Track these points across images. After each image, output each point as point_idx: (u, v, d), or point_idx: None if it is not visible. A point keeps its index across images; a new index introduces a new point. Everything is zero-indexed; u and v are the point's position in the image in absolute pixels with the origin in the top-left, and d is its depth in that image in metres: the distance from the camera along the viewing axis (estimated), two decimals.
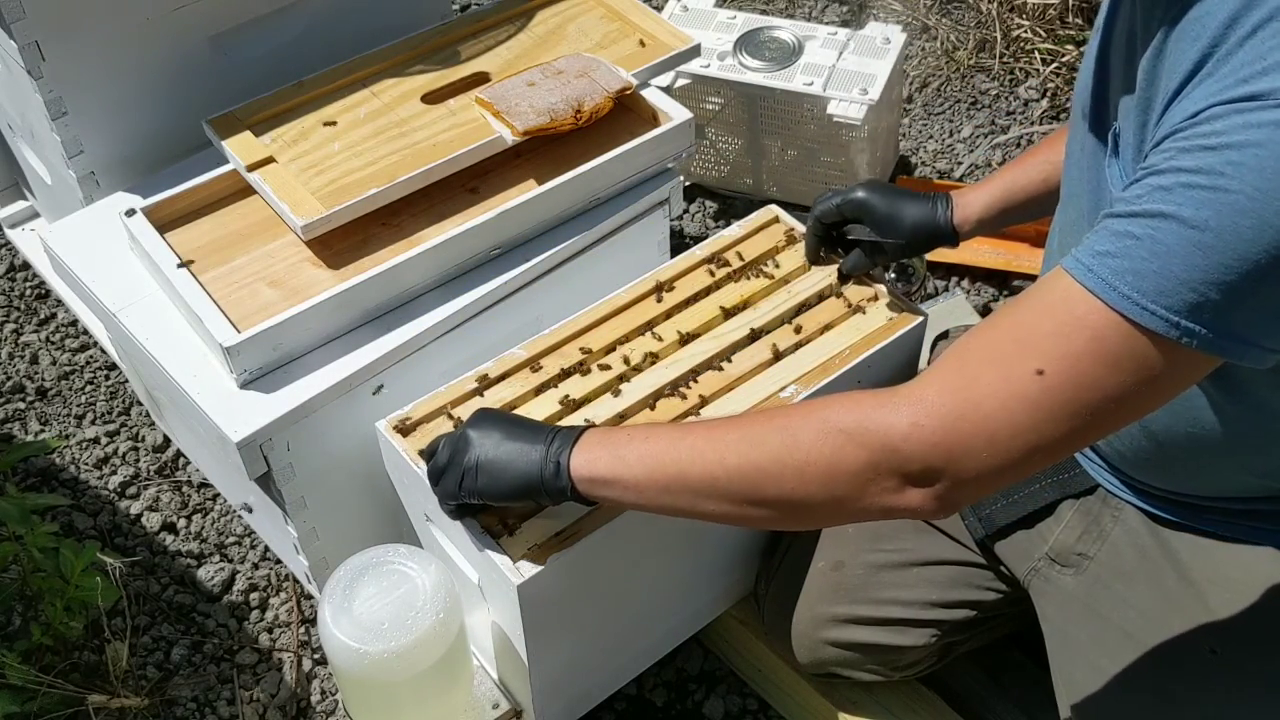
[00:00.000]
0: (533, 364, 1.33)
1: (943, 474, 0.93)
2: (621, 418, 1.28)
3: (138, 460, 1.80)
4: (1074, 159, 1.12)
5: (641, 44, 1.60)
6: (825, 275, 1.41)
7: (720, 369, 1.33)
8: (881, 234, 1.33)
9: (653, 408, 1.29)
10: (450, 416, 1.29)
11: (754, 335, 1.36)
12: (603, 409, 1.29)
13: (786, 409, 1.03)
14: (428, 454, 1.20)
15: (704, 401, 1.30)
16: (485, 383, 1.31)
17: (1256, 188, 0.79)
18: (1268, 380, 1.00)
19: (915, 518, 0.98)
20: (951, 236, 1.32)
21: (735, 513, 1.04)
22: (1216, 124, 0.82)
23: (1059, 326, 0.88)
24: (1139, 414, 0.92)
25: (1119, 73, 1.02)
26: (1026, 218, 1.33)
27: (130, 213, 1.39)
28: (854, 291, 1.39)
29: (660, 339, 1.35)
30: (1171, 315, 0.84)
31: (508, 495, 1.12)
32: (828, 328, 1.37)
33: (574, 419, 1.28)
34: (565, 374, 1.32)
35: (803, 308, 1.39)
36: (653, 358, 1.34)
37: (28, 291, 2.03)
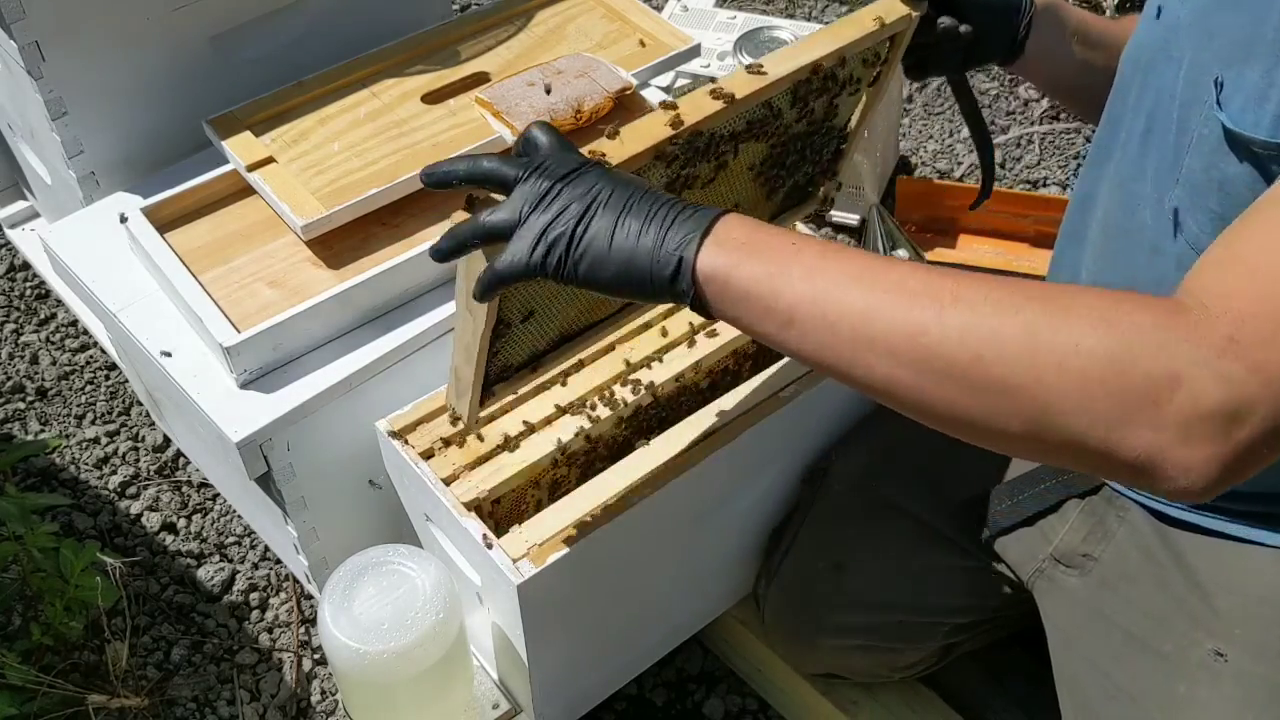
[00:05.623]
0: (532, 364, 1.33)
1: (1247, 418, 0.73)
2: (621, 417, 1.28)
3: (138, 460, 1.80)
4: (1116, 137, 1.08)
5: (641, 44, 1.60)
6: None
7: (720, 368, 1.33)
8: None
9: (653, 404, 1.30)
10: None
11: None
12: (603, 408, 1.29)
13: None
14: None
15: (702, 401, 1.30)
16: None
17: None
18: None
19: (1172, 489, 0.75)
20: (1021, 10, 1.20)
21: (919, 386, 0.77)
22: None
23: None
24: None
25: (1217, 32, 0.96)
26: (1093, 52, 1.23)
27: (123, 219, 1.39)
28: None
29: (660, 336, 1.35)
30: None
31: (608, 287, 0.87)
32: None
33: (574, 417, 1.28)
34: (564, 374, 1.32)
35: None
36: (652, 356, 1.34)
37: (28, 291, 2.04)
